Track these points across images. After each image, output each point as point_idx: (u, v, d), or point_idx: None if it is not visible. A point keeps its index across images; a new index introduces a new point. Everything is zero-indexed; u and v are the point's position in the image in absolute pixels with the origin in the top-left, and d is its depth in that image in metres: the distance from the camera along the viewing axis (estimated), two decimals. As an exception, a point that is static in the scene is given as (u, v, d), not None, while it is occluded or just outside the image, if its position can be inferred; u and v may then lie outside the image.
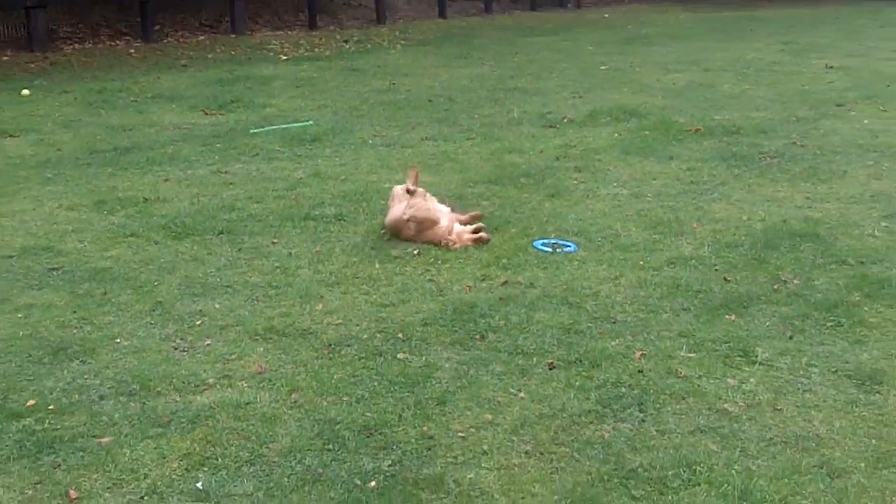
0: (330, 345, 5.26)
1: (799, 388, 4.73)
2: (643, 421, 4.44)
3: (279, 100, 12.82)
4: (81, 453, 4.23)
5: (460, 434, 4.34)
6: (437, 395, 4.68)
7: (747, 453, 4.17)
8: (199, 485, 3.99)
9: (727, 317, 5.55)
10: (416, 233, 6.80)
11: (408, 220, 6.80)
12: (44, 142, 10.42)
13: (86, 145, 10.23)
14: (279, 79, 14.46)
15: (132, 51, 17.62)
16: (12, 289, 6.13)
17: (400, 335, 5.36)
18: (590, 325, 5.47)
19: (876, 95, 12.17)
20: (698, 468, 4.04)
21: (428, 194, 7.09)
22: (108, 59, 16.72)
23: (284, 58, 16.88)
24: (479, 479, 4.01)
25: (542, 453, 4.20)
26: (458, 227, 6.83)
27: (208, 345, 5.30)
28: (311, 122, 11.21)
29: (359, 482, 3.98)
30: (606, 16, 24.44)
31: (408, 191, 7.02)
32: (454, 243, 6.70)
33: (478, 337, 5.33)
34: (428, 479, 4.00)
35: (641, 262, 6.42)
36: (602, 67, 15.33)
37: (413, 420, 4.46)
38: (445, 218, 6.87)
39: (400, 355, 5.12)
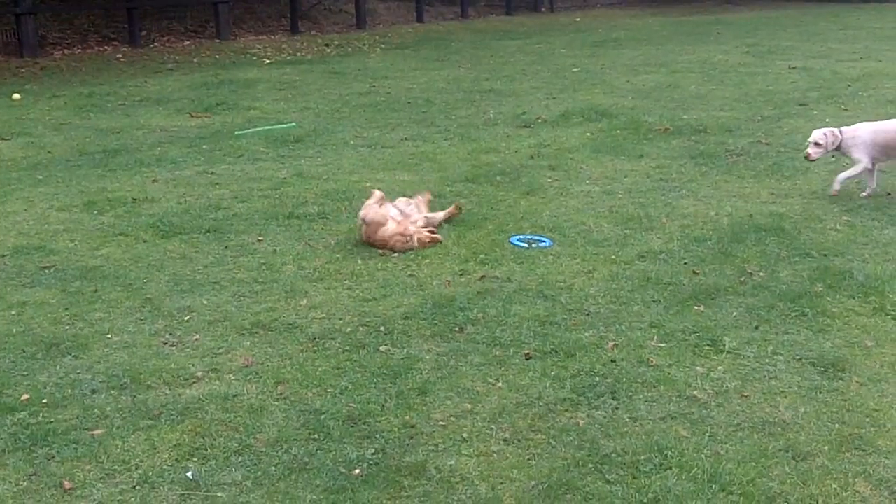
0: (314, 338, 5.35)
1: (765, 376, 4.83)
2: (616, 408, 4.53)
3: (263, 102, 12.88)
4: (75, 445, 4.28)
5: (441, 423, 4.42)
6: (419, 385, 4.77)
7: (716, 438, 4.26)
8: (189, 474, 4.05)
9: (696, 308, 5.65)
10: (367, 234, 6.83)
11: (360, 221, 6.88)
12: (35, 144, 10.49)
13: (76, 148, 10.30)
14: (263, 82, 14.50)
15: (120, 56, 17.65)
16: (5, 287, 6.19)
17: (382, 328, 5.45)
18: (564, 317, 5.56)
19: (837, 95, 12.31)
20: (669, 453, 4.12)
21: (387, 200, 7.07)
22: (96, 63, 16.74)
23: (268, 62, 16.93)
24: (460, 465, 4.08)
25: (519, 440, 4.28)
26: (413, 228, 6.79)
27: (196, 339, 5.37)
28: (294, 124, 11.28)
29: (344, 470, 4.05)
30: (578, 19, 24.55)
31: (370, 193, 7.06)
32: (405, 242, 6.71)
33: (457, 329, 5.42)
34: (410, 466, 4.08)
35: (613, 257, 6.53)
36: (574, 69, 15.41)
37: (395, 410, 4.54)
38: (393, 222, 6.82)
39: (382, 348, 5.21)
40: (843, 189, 7.85)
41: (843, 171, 7.90)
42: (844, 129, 7.77)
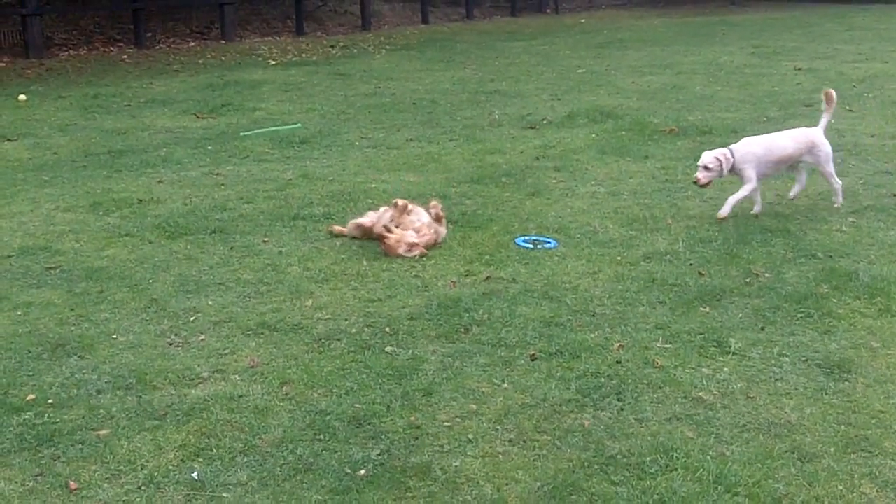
0: (320, 339, 5.35)
1: (771, 377, 4.83)
2: (622, 410, 4.53)
3: (268, 104, 12.89)
4: (80, 446, 4.28)
5: (446, 424, 4.42)
6: (424, 386, 4.77)
7: (721, 439, 4.25)
8: (194, 475, 4.05)
9: (701, 309, 5.65)
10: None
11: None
12: (41, 145, 10.51)
13: (81, 148, 10.32)
14: (268, 83, 14.51)
15: (125, 57, 17.70)
16: (11, 287, 6.20)
17: (387, 329, 5.45)
18: (570, 318, 5.56)
19: (842, 97, 12.11)
20: (675, 454, 4.12)
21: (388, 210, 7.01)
22: (102, 65, 16.78)
23: (273, 63, 16.95)
24: (465, 466, 4.08)
25: (525, 441, 4.27)
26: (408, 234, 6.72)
27: (202, 340, 5.38)
28: (299, 125, 11.29)
29: (349, 471, 4.05)
30: (583, 21, 24.55)
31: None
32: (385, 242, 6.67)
33: (462, 330, 5.42)
34: (415, 467, 4.07)
35: (619, 258, 6.53)
36: (579, 70, 15.42)
37: (401, 411, 4.54)
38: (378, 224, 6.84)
39: (387, 348, 5.21)
40: (848, 189, 7.83)
41: (733, 194, 7.33)
42: (734, 147, 7.30)
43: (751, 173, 7.22)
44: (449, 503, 3.85)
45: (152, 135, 11.04)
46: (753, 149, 7.28)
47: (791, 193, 7.66)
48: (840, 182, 7.58)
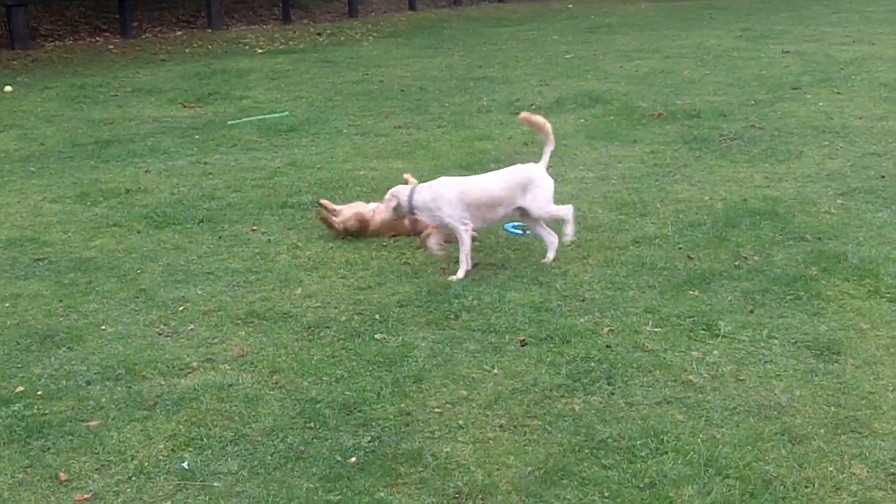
0: (309, 327, 5.35)
1: (760, 360, 4.85)
2: (612, 394, 4.55)
3: (256, 92, 12.85)
4: (70, 437, 4.29)
5: (437, 410, 4.44)
6: (414, 373, 4.78)
7: (712, 422, 4.27)
8: (184, 464, 4.06)
9: (690, 292, 5.67)
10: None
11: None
12: (27, 136, 10.46)
13: (68, 139, 10.28)
14: (255, 72, 14.46)
15: (111, 47, 17.60)
16: (-1, 279, 6.21)
17: (377, 316, 5.46)
18: (559, 303, 5.57)
19: (830, 79, 12.29)
20: (665, 437, 4.14)
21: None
22: (87, 55, 16.70)
23: (260, 51, 16.88)
24: (456, 452, 4.10)
25: (515, 426, 4.29)
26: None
27: (191, 330, 5.38)
28: (286, 113, 11.26)
29: (340, 458, 4.06)
30: (570, 6, 24.48)
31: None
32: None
33: (452, 317, 5.43)
34: (406, 453, 4.09)
35: (608, 242, 6.54)
36: (567, 56, 15.38)
37: (391, 397, 4.55)
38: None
39: (377, 336, 5.22)
40: (837, 172, 7.83)
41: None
42: (421, 187, 6.18)
43: (452, 221, 6.03)
44: (440, 489, 3.85)
45: (139, 124, 11.00)
46: (444, 190, 6.08)
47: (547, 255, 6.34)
48: (556, 237, 6.26)
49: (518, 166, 6.32)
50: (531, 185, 6.13)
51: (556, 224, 6.28)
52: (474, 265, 6.17)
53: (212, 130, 10.49)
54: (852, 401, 4.44)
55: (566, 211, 6.24)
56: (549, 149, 6.30)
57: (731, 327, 5.20)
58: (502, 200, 6.12)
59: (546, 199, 6.17)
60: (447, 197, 6.03)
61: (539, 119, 6.42)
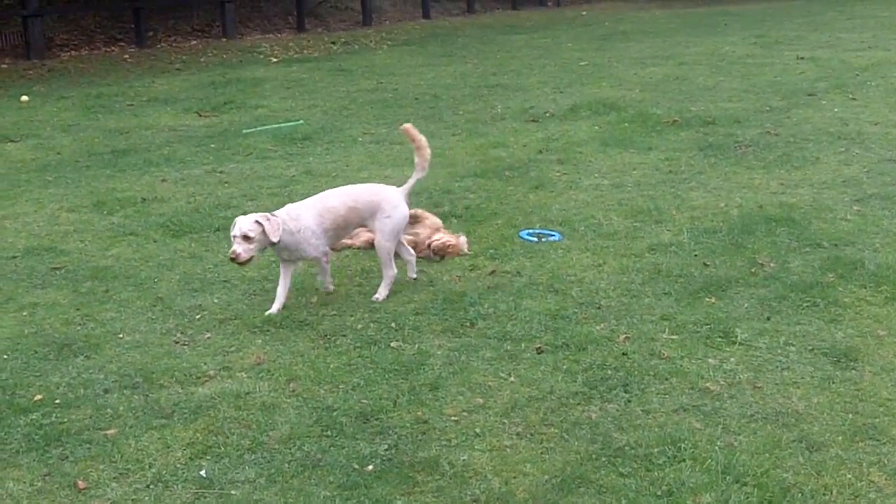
0: (325, 335, 5.35)
1: (777, 367, 4.82)
2: (629, 401, 4.53)
3: (270, 101, 12.90)
4: (88, 445, 4.30)
5: (453, 418, 4.43)
6: (430, 381, 4.77)
7: (729, 430, 4.25)
8: (202, 472, 4.06)
9: (707, 300, 5.65)
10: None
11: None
12: (44, 146, 10.53)
13: (84, 148, 10.34)
14: (270, 80, 14.52)
15: (127, 56, 17.72)
16: (17, 288, 6.23)
17: (393, 324, 5.46)
18: (575, 310, 5.56)
19: (845, 85, 12.26)
20: (682, 445, 4.11)
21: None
22: (103, 64, 16.80)
23: (274, 60, 16.96)
24: (473, 460, 4.08)
25: (532, 434, 4.27)
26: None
27: (208, 338, 5.39)
28: (301, 122, 11.30)
29: (357, 466, 4.05)
30: (584, 13, 24.52)
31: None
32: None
33: (468, 324, 5.42)
34: (423, 461, 4.08)
35: (623, 250, 6.53)
36: (581, 63, 15.40)
37: (407, 405, 4.54)
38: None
39: (393, 344, 5.21)
40: (852, 178, 7.80)
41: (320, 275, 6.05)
42: (281, 212, 5.80)
43: (312, 250, 5.77)
44: (457, 497, 3.84)
45: (155, 134, 11.06)
46: (304, 217, 5.78)
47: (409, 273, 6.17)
48: (395, 272, 5.93)
49: (371, 186, 6.07)
50: (380, 211, 5.82)
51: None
52: (491, 272, 6.18)
53: (227, 139, 10.53)
54: (870, 408, 4.41)
55: (394, 270, 5.89)
56: (417, 176, 6.02)
57: (748, 334, 5.18)
58: (350, 222, 5.88)
59: (393, 232, 5.83)
60: (308, 224, 5.73)
61: (420, 138, 6.10)
